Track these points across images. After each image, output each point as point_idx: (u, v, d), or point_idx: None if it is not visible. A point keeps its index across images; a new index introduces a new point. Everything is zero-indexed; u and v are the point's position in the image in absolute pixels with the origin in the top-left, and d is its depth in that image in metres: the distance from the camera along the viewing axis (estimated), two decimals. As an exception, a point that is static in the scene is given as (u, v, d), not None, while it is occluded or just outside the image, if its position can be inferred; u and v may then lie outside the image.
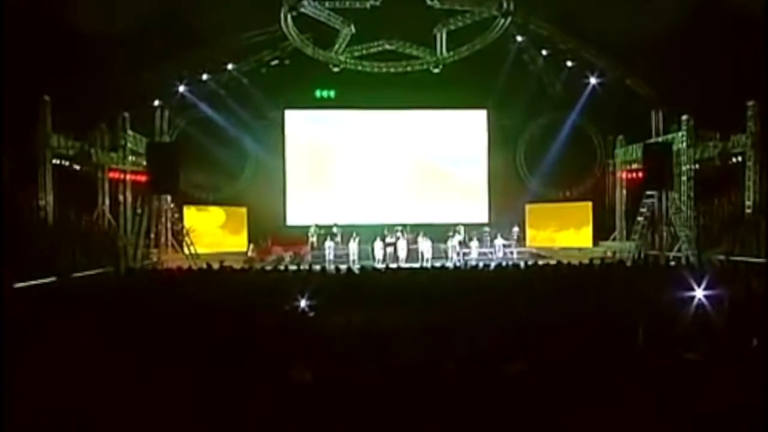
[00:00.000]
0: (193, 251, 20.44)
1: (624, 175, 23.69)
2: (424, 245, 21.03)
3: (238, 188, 24.42)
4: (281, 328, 7.32)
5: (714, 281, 8.54)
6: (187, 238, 20.77)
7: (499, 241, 21.80)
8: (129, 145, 20.29)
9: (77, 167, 19.04)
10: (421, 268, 16.28)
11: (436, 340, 6.24)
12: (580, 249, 23.72)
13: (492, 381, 4.78)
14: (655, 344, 5.94)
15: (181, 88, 21.94)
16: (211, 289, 11.58)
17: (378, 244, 21.12)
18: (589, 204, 24.58)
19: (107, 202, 20.13)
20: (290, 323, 7.69)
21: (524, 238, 25.14)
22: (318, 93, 24.98)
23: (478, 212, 25.86)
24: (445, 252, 22.75)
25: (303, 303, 8.33)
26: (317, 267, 16.18)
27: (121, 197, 20.59)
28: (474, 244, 21.60)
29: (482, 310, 7.65)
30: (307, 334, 7.32)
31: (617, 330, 6.24)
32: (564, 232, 24.92)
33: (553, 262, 16.59)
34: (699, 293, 8.46)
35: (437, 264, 19.48)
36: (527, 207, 25.40)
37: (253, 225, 23.69)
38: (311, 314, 8.30)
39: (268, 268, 16.73)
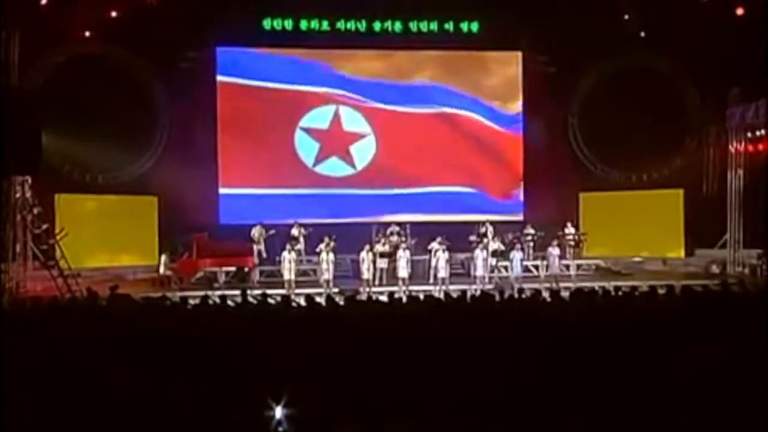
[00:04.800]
0: (66, 268, 17.82)
1: (742, 148, 21.80)
2: (439, 256, 18.80)
3: (145, 167, 23.12)
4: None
5: None
6: (57, 246, 18.14)
7: (555, 251, 19.51)
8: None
9: None
10: (449, 298, 13.00)
11: None
12: (665, 261, 22.90)
13: None
14: None
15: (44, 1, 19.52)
16: (75, 351, 8.52)
17: (366, 256, 18.82)
18: (680, 192, 23.29)
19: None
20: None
21: (579, 243, 23.01)
22: (267, 22, 23.61)
23: (509, 204, 24.83)
24: (463, 264, 21.06)
25: (279, 412, 5.36)
26: (275, 294, 14.01)
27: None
28: (517, 255, 19.08)
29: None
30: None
31: None
32: (640, 234, 23.48)
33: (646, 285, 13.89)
34: None
35: (460, 287, 17.92)
36: (582, 196, 24.53)
37: (168, 224, 22.47)
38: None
39: (193, 297, 13.84)
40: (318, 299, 12.75)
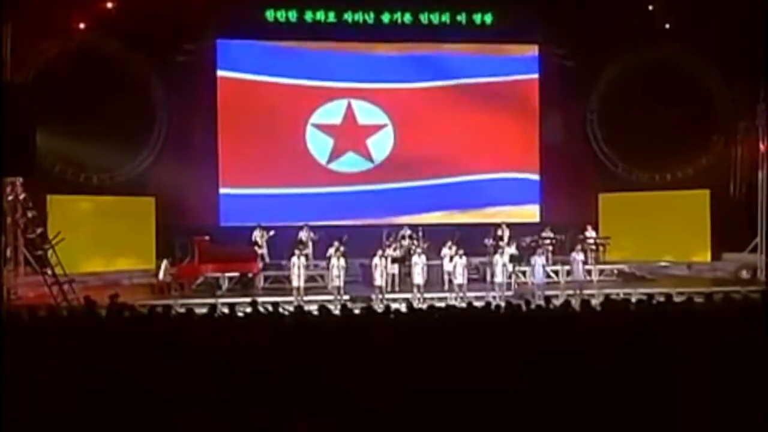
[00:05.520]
0: (61, 274, 17.48)
1: (772, 147, 21.71)
2: (456, 262, 18.48)
3: (141, 166, 23.02)
4: None
5: None
6: (50, 252, 17.77)
7: (579, 256, 19.08)
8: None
9: None
10: (472, 307, 12.73)
11: None
12: (690, 265, 22.75)
13: None
14: None
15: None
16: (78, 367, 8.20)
17: (379, 262, 18.46)
18: (706, 193, 23.09)
19: None
20: None
21: (600, 247, 22.82)
22: (270, 13, 23.51)
23: (525, 206, 24.80)
24: (478, 269, 20.75)
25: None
26: (282, 302, 14.03)
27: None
28: (539, 260, 18.80)
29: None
30: None
31: None
32: (663, 237, 23.26)
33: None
34: None
35: (478, 293, 18.47)
36: (602, 197, 24.38)
37: (166, 226, 22.49)
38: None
39: (196, 305, 13.90)
40: (330, 307, 12.55)
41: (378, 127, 24.14)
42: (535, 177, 24.66)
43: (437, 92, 24.43)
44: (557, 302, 13.39)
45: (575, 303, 13.08)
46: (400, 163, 24.09)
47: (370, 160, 24.15)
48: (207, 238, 20.25)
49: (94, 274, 20.38)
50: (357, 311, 12.02)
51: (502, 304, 12.79)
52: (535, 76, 24.65)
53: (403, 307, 13.02)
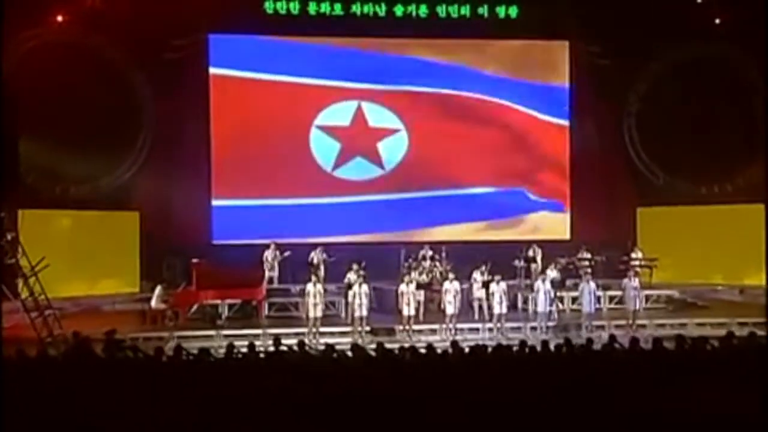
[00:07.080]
0: (44, 303, 16.89)
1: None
2: (494, 289, 17.83)
3: (125, 177, 23.00)
4: None
5: None
6: (32, 280, 17.15)
7: (632, 282, 18.44)
8: None
9: None
10: (523, 349, 11.93)
11: None
12: (743, 290, 22.37)
13: None
14: None
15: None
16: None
17: (406, 289, 17.72)
18: (760, 208, 22.32)
19: None
20: None
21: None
22: (269, 5, 23.50)
23: (553, 221, 24.82)
24: (506, 294, 19.44)
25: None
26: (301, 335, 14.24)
27: None
28: (587, 287, 18.18)
29: None
30: None
31: None
32: (711, 257, 23.28)
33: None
34: None
35: (514, 325, 18.26)
36: (640, 212, 24.40)
37: (152, 245, 22.53)
38: None
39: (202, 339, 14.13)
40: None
41: (391, 131, 24.11)
42: (564, 189, 24.54)
43: (456, 99, 24.24)
44: (617, 338, 12.78)
45: (644, 341, 12.45)
46: (413, 171, 24.05)
47: (381, 166, 24.09)
48: (196, 260, 19.89)
49: (72, 299, 20.10)
50: (394, 349, 11.39)
51: (560, 341, 12.10)
52: (566, 122, 24.52)
53: (446, 344, 12.61)
